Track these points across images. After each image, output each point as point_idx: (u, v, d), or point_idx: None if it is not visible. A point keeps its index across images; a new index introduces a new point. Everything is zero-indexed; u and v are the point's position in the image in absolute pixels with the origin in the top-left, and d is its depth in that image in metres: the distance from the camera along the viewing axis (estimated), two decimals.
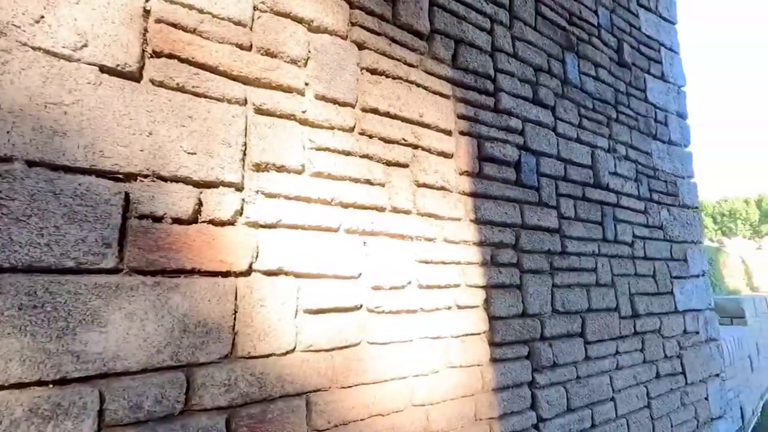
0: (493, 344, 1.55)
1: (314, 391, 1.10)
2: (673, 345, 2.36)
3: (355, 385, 1.18)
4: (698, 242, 2.77)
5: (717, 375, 2.64)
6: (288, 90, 1.21)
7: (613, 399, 1.93)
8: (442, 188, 1.52)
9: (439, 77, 1.59)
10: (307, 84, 1.24)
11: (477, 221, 1.60)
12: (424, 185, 1.47)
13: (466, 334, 1.48)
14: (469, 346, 1.47)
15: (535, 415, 1.60)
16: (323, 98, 1.27)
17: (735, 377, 4.37)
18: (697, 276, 2.69)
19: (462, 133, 1.62)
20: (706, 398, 2.50)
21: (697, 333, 2.56)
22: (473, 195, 1.61)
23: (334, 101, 1.29)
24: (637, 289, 2.22)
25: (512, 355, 1.59)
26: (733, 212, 73.18)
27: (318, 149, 1.23)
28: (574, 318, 1.86)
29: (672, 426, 2.22)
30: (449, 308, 1.45)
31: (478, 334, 1.51)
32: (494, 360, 1.54)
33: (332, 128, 1.28)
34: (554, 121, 2.00)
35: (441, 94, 1.58)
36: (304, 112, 1.22)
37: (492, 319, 1.56)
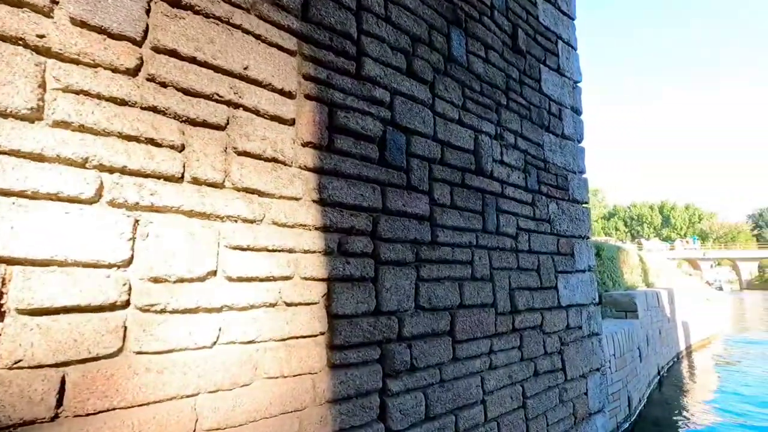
0: (332, 347, 1.30)
1: (20, 425, 0.78)
2: (554, 341, 2.29)
3: (104, 411, 0.87)
4: (586, 237, 2.77)
5: (598, 369, 2.64)
6: (19, 4, 0.86)
7: (483, 402, 1.78)
8: (274, 160, 1.25)
9: (281, 27, 1.31)
10: (55, 1, 0.91)
11: (322, 202, 1.35)
12: (246, 154, 1.19)
13: (295, 337, 1.22)
14: (297, 351, 1.22)
15: (384, 427, 1.39)
16: (83, 24, 0.94)
17: (624, 368, 4.59)
18: (583, 271, 2.68)
19: (309, 97, 1.36)
20: (586, 393, 2.48)
21: (580, 328, 2.53)
22: (319, 171, 1.36)
23: (102, 31, 0.96)
24: (518, 283, 2.11)
25: (358, 359, 1.36)
26: (641, 217, 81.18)
27: (66, 90, 0.90)
28: (442, 315, 1.68)
29: (548, 425, 2.14)
30: (273, 305, 1.18)
31: (313, 336, 1.26)
32: (333, 366, 1.29)
33: (95, 66, 0.95)
34: (432, 98, 1.81)
35: (281, 48, 1.30)
36: (42, 36, 0.88)
37: (333, 317, 1.32)
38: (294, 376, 1.20)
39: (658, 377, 6.65)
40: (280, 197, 1.25)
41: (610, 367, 4.22)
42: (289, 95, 1.31)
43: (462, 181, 1.89)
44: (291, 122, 1.31)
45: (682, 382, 7.02)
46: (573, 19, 3.09)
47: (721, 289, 36.60)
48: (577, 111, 2.93)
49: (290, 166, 1.29)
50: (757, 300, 32.48)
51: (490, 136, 2.10)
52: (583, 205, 2.80)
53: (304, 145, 1.33)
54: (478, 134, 2.03)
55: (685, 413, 5.45)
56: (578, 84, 3.01)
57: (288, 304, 1.22)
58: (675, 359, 8.10)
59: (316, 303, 1.28)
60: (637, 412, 4.96)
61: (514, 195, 2.19)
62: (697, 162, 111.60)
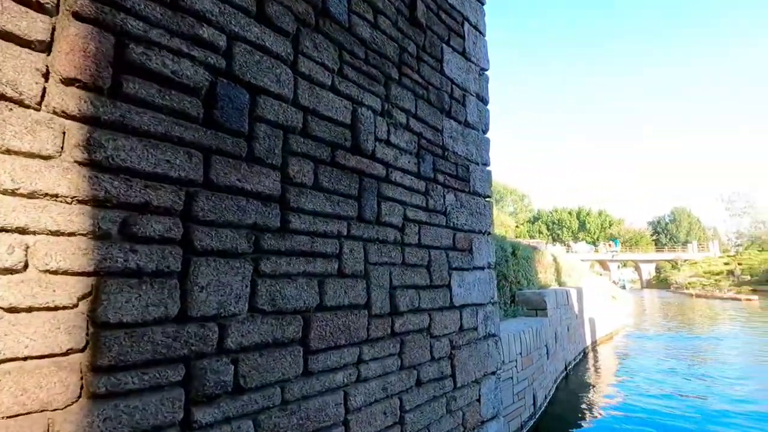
0: (96, 370, 0.92)
1: None
2: (443, 345, 2.06)
3: None
4: (486, 232, 2.60)
5: (493, 373, 2.48)
6: None
7: (345, 422, 1.49)
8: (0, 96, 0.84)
9: None
10: None
11: (95, 165, 0.96)
12: None
13: (17, 358, 0.82)
14: (21, 380, 0.82)
15: None
16: None
17: (531, 366, 4.61)
18: (482, 268, 2.50)
19: (80, 17, 0.97)
20: (478, 400, 2.29)
21: (475, 329, 2.34)
22: (91, 122, 0.96)
23: None
24: (402, 281, 1.85)
25: (142, 383, 0.98)
26: (561, 221, 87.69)
27: None
28: (291, 320, 1.35)
29: None
30: None
31: (56, 355, 0.87)
32: (96, 396, 0.91)
33: None
34: (293, 54, 1.48)
35: None
36: None
37: (101, 327, 0.93)
38: (13, 417, 0.80)
39: (565, 373, 6.92)
40: (7, 152, 0.84)
41: (516, 366, 4.18)
42: (40, 7, 0.91)
43: (332, 159, 1.58)
44: (41, 46, 0.90)
45: (586, 376, 7.38)
46: (483, 4, 2.92)
47: (624, 287, 40.44)
48: (483, 99, 2.76)
49: (34, 108, 0.88)
50: (654, 297, 36.28)
51: (374, 111, 1.81)
52: (486, 199, 2.64)
53: (66, 82, 0.93)
54: (358, 107, 1.73)
55: (587, 407, 5.66)
56: (486, 72, 2.84)
57: (14, 310, 0.82)
58: (582, 354, 8.55)
59: (67, 307, 0.89)
60: (543, 409, 5.03)
61: (402, 181, 1.93)
62: (610, 171, 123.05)
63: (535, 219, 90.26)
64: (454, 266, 2.22)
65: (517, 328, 4.46)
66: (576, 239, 76.37)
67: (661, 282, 54.91)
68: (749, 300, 28.73)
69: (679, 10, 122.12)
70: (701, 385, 6.82)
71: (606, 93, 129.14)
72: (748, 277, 43.26)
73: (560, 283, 9.30)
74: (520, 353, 4.28)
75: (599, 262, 64.87)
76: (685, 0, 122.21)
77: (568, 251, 66.78)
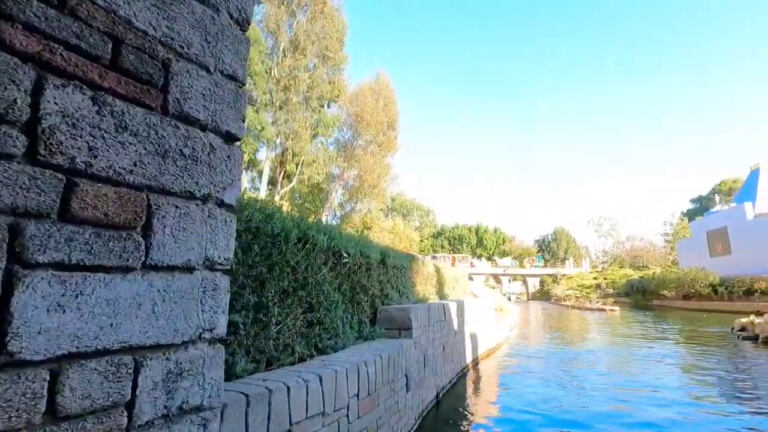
0: None
1: None
2: None
3: None
4: (212, 200, 1.33)
5: None
6: None
7: None
8: None
9: None
10: None
11: None
12: None
13: None
14: None
15: None
16: None
17: (376, 407, 3.45)
18: (182, 270, 1.21)
19: None
20: None
21: (131, 407, 1.03)
22: None
23: None
24: None
25: None
26: (461, 237, 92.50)
27: None
28: None
29: None
30: None
31: None
32: None
33: None
34: None
35: None
36: None
37: None
38: None
39: (436, 400, 5.98)
40: None
41: (347, 415, 2.97)
42: None
43: None
44: None
45: (461, 400, 6.55)
46: None
47: (509, 299, 43.11)
48: None
49: None
50: (537, 308, 39.06)
51: None
52: (217, 139, 1.37)
53: None
54: None
55: None
56: None
57: None
58: (461, 374, 7.83)
59: None
60: None
61: None
62: (506, 190, 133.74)
63: (438, 234, 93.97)
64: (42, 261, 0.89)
65: (359, 359, 3.27)
66: (474, 254, 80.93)
67: (543, 294, 59.97)
68: (612, 311, 32.02)
69: (568, 35, 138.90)
70: (580, 398, 6.38)
71: (507, 115, 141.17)
72: (611, 290, 49.07)
73: (442, 297, 8.55)
74: (357, 394, 3.08)
75: (493, 276, 69.22)
76: (566, 24, 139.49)
77: (494, 266, 70.81)
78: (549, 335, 16.31)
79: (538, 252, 79.19)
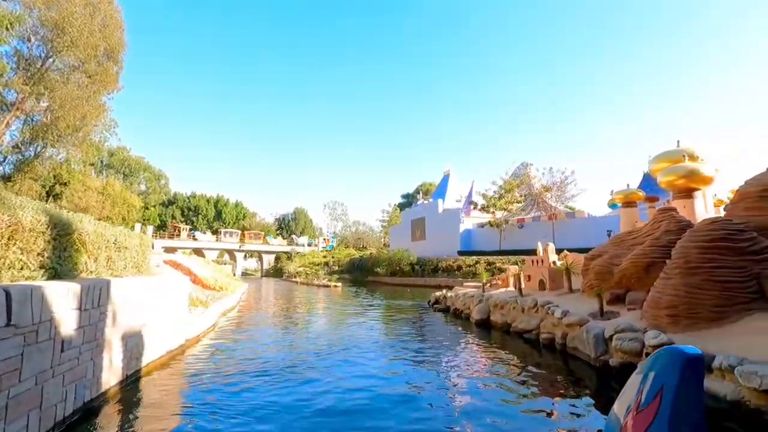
0: None
1: None
2: None
3: None
4: None
5: None
6: None
7: None
8: None
9: None
10: None
11: None
12: None
13: None
14: None
15: None
16: None
17: None
18: None
19: None
20: None
21: None
22: None
23: None
24: None
25: None
26: (198, 208, 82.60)
27: None
28: None
29: None
30: None
31: None
32: None
33: None
34: None
35: None
36: None
37: None
38: None
39: None
40: None
41: None
42: None
43: None
44: None
45: None
46: None
47: (236, 275, 40.41)
48: None
49: None
50: (270, 285, 37.56)
51: None
52: None
53: None
54: None
55: None
56: None
57: None
58: (82, 410, 4.24)
59: None
60: None
61: None
62: (249, 166, 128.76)
63: (170, 203, 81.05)
64: None
65: None
66: (211, 228, 73.50)
67: (277, 271, 59.82)
68: (336, 287, 33.81)
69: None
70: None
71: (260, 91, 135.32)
72: (337, 268, 53.27)
73: (78, 272, 4.63)
74: None
75: (228, 251, 64.48)
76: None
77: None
78: (270, 315, 14.24)
79: (277, 230, 79.11)
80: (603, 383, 6.01)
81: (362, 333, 10.51)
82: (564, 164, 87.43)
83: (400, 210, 65.31)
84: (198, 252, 54.85)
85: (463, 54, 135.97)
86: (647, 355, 5.79)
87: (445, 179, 51.50)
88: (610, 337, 6.59)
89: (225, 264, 46.47)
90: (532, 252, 32.74)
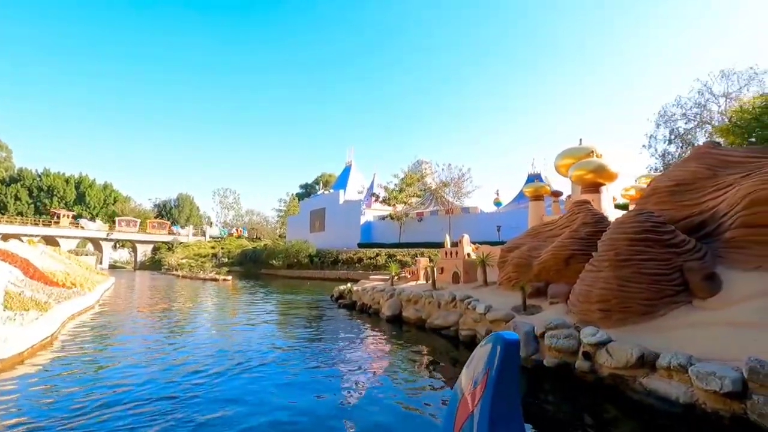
0: None
1: None
2: None
3: None
4: None
5: None
6: None
7: None
8: None
9: None
10: None
11: None
12: None
13: None
14: None
15: None
16: None
17: None
18: None
19: None
20: None
21: None
22: None
23: None
24: None
25: None
26: (53, 188, 68.57)
27: None
28: None
29: None
30: None
31: None
32: None
33: None
34: None
35: None
36: None
37: None
38: None
39: None
40: None
41: None
42: None
43: None
44: None
45: None
46: None
47: (100, 269, 34.08)
48: None
49: None
50: (144, 279, 32.25)
51: None
52: None
53: None
54: None
55: None
56: None
57: None
58: None
59: None
60: None
61: None
62: (126, 146, 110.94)
63: (12, 180, 65.94)
64: None
65: None
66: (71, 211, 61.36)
67: (155, 263, 52.59)
68: (226, 280, 30.51)
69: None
70: None
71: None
72: (227, 260, 48.77)
73: None
74: None
75: (91, 240, 54.62)
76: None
77: (78, 227, 51.96)
78: (140, 317, 11.49)
79: (156, 217, 69.76)
80: (536, 386, 5.46)
81: (261, 336, 8.83)
82: (461, 162, 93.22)
83: (299, 200, 62.54)
84: (51, 241, 45.39)
85: (366, 50, 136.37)
86: (585, 354, 5.38)
87: (347, 170, 50.52)
88: (542, 335, 6.13)
89: (87, 255, 38.95)
90: (432, 245, 33.59)
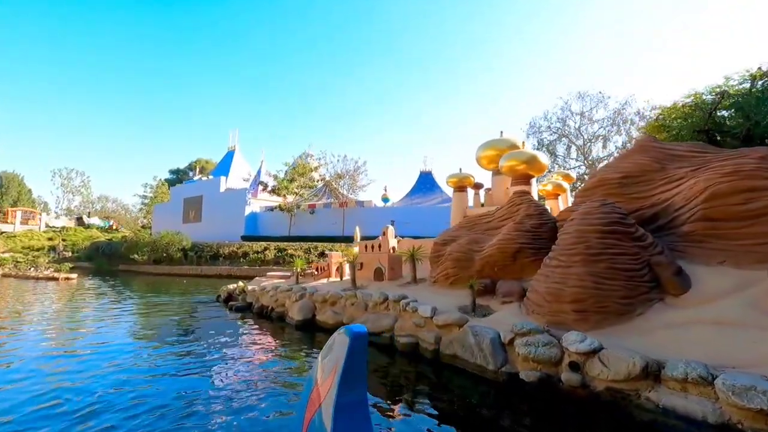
0: None
1: None
2: None
3: None
4: None
5: None
6: None
7: None
8: None
9: None
10: None
11: None
12: None
13: None
14: None
15: None
16: None
17: None
18: None
19: None
20: None
21: None
22: None
23: None
24: None
25: None
26: None
27: None
28: None
29: None
30: None
31: None
32: None
33: None
34: None
35: None
36: None
37: None
38: None
39: None
40: None
41: None
42: None
43: None
44: None
45: None
46: None
47: None
48: None
49: None
50: None
51: None
52: None
53: None
54: None
55: None
56: None
57: None
58: None
59: None
60: None
61: None
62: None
63: None
64: None
65: None
66: None
67: None
68: (69, 279, 24.30)
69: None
70: None
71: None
72: (70, 254, 39.69)
73: None
74: None
75: None
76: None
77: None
78: None
79: None
80: (511, 405, 4.45)
81: (111, 361, 6.22)
82: (357, 154, 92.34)
83: (169, 186, 54.42)
84: None
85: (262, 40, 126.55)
86: (572, 365, 4.52)
87: (230, 155, 45.42)
88: (510, 342, 5.17)
89: None
90: (326, 239, 31.80)
